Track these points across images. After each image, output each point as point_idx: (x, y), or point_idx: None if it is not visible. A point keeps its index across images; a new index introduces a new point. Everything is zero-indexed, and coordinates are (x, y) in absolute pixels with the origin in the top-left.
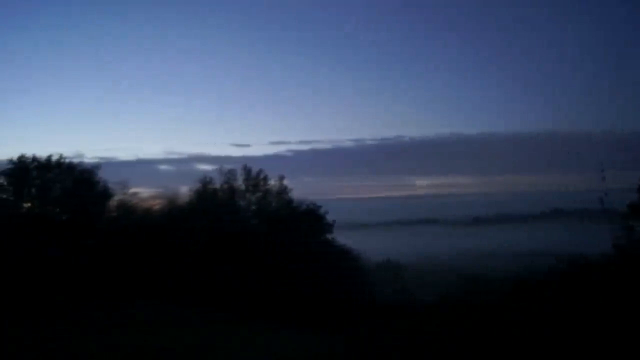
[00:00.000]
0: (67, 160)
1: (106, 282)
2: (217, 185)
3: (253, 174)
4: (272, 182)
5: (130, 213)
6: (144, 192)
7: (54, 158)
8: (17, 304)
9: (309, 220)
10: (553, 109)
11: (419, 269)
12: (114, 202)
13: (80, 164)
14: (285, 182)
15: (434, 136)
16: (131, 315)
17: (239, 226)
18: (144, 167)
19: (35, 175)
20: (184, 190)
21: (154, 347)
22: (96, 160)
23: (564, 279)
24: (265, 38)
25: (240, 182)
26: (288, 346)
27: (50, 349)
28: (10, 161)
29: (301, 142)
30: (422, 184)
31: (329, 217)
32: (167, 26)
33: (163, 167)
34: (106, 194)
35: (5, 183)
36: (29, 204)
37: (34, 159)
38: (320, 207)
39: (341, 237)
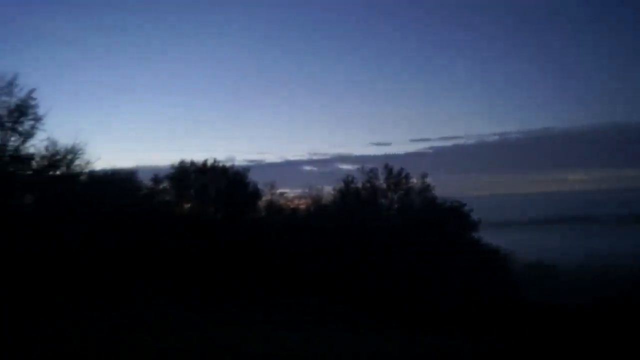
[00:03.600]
0: (220, 164)
1: (256, 277)
2: (359, 185)
3: (394, 173)
4: (414, 180)
5: (278, 212)
6: (290, 192)
7: (210, 162)
8: (172, 292)
9: (453, 219)
10: None
11: (574, 270)
12: (263, 202)
13: (233, 167)
14: (427, 179)
15: (588, 126)
16: (274, 311)
17: (381, 225)
18: (290, 168)
19: (193, 179)
20: (328, 190)
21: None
22: (246, 163)
23: None
24: (403, 35)
25: (381, 181)
26: (432, 349)
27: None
28: (173, 166)
29: (443, 139)
30: (576, 179)
31: (474, 215)
32: (312, 29)
33: (307, 167)
34: (256, 194)
35: (169, 186)
36: (189, 205)
37: (192, 163)
38: (464, 204)
39: (487, 236)
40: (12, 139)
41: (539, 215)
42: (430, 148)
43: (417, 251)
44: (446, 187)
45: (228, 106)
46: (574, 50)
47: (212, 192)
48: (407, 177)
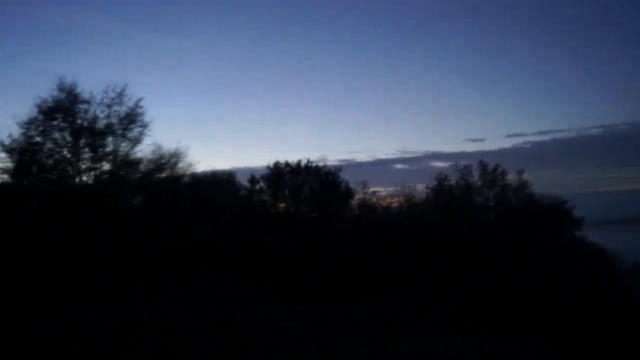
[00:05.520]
0: (313, 164)
1: (347, 275)
2: (453, 182)
3: (489, 169)
4: (511, 177)
5: (370, 211)
6: (381, 191)
7: (303, 163)
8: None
9: (553, 217)
10: None
11: None
12: (355, 200)
13: (325, 167)
14: (525, 176)
15: None
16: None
17: (477, 223)
18: (381, 167)
19: (288, 179)
20: (420, 188)
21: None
22: (338, 163)
23: None
24: (497, 28)
25: (476, 178)
26: (533, 354)
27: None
28: (268, 167)
29: (540, 133)
30: None
31: (577, 213)
32: (399, 28)
33: (398, 166)
34: (348, 193)
35: (265, 186)
36: (284, 204)
37: (287, 164)
38: (565, 201)
39: (592, 235)
40: (123, 144)
41: None
42: (527, 143)
43: (515, 250)
44: (545, 183)
45: (319, 107)
46: None
47: (306, 191)
48: (503, 173)
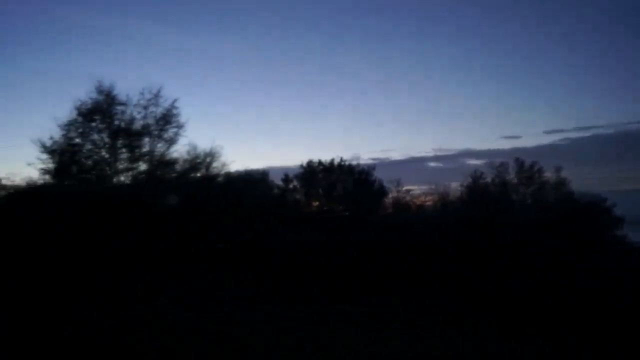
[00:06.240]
0: (346, 163)
1: (382, 275)
2: (488, 180)
3: (526, 167)
4: (548, 174)
5: (404, 209)
6: (416, 189)
7: (336, 161)
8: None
9: (592, 215)
10: None
11: None
12: (388, 199)
13: (358, 165)
14: (563, 173)
15: None
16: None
17: (513, 222)
18: (415, 165)
19: (321, 177)
20: (454, 186)
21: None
22: (371, 161)
23: None
24: (534, 24)
25: (512, 176)
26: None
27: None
28: (301, 166)
29: (578, 129)
30: None
31: (618, 211)
32: (433, 25)
33: (432, 164)
34: (382, 192)
35: (298, 185)
36: (317, 202)
37: (320, 163)
38: (605, 199)
39: (636, 234)
40: (159, 145)
41: None
42: (565, 139)
43: (553, 250)
44: (586, 181)
45: (352, 105)
46: None
47: (339, 190)
48: (540, 171)
